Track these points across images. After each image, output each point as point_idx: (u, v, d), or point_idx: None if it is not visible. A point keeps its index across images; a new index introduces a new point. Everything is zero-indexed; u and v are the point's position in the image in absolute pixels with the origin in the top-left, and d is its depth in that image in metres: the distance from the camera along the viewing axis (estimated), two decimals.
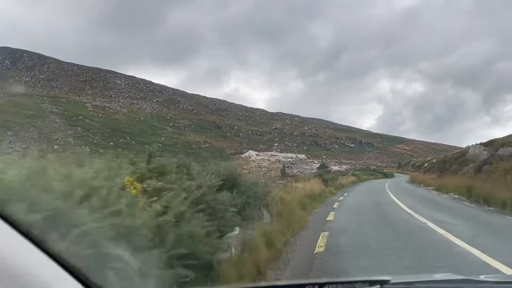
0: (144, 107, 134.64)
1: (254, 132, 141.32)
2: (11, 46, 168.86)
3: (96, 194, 2.66)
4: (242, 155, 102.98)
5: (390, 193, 23.04)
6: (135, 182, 4.06)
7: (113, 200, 2.82)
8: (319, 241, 8.45)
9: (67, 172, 2.72)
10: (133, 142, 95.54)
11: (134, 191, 3.87)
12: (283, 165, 76.83)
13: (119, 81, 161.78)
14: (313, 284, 1.85)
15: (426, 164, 55.06)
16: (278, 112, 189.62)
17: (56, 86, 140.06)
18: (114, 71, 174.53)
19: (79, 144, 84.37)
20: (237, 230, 5.77)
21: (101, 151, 78.73)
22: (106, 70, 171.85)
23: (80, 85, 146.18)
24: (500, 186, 15.14)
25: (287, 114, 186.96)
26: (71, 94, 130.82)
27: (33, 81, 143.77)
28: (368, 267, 6.18)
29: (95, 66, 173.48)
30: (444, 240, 8.23)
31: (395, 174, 67.29)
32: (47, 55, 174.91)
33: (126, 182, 3.90)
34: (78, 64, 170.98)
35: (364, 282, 1.81)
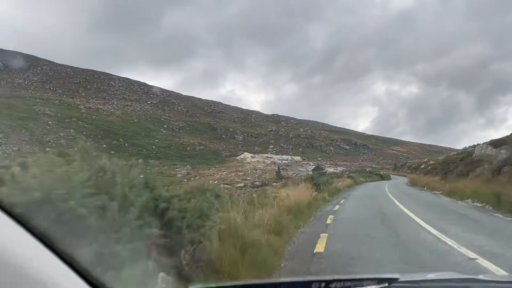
0: (138, 109, 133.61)
1: (250, 134, 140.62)
2: (4, 48, 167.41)
3: None
4: (238, 157, 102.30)
5: (394, 200, 19.61)
6: None
7: None
8: None
9: None
10: (126, 144, 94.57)
11: None
12: (278, 167, 76.12)
13: (113, 83, 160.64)
14: (320, 282, 1.77)
15: (423, 166, 54.54)
16: (273, 114, 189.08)
17: (50, 88, 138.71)
18: (108, 73, 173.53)
19: (71, 146, 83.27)
20: None
21: (95, 153, 78.12)
22: (100, 72, 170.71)
23: (73, 87, 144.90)
24: None
25: (283, 116, 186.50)
26: (64, 96, 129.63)
27: (26, 83, 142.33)
28: None
29: (89, 68, 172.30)
30: None
31: (391, 176, 66.62)
32: (41, 57, 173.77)
33: None
34: (72, 66, 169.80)
35: (372, 279, 1.76)
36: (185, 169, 76.37)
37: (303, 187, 18.64)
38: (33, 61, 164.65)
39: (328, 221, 12.03)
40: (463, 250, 7.30)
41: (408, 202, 17.90)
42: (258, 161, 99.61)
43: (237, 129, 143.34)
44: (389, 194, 23.84)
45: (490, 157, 23.79)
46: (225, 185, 61.64)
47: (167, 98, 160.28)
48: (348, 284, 1.76)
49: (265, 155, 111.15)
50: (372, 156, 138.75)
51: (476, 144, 41.00)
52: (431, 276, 2.07)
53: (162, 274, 3.51)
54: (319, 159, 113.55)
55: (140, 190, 3.78)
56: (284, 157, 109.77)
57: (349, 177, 44.07)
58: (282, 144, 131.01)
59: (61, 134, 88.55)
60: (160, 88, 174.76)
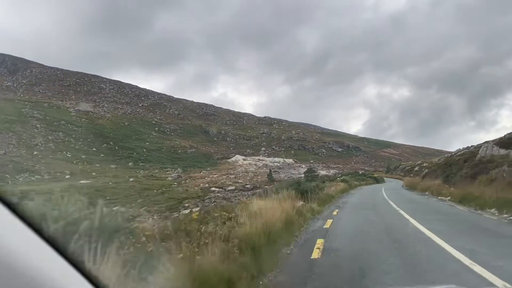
0: (129, 111, 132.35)
1: (241, 137, 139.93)
2: None
3: None
4: (229, 160, 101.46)
5: (400, 210, 15.70)
6: None
7: None
8: None
9: None
10: (116, 148, 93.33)
11: None
12: (270, 170, 75.42)
13: (104, 86, 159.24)
14: None
15: (416, 168, 54.31)
16: (265, 117, 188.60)
17: (39, 91, 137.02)
18: (99, 76, 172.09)
19: (60, 149, 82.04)
20: None
21: (83, 156, 75.55)
22: (91, 75, 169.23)
23: (63, 90, 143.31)
24: None
25: (275, 119, 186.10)
26: (54, 99, 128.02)
27: (15, 85, 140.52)
28: None
29: (80, 71, 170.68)
30: None
31: (385, 179, 66.10)
32: (31, 59, 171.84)
33: None
34: (62, 69, 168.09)
35: None
36: (176, 172, 75.38)
37: (285, 195, 13.48)
38: (22, 64, 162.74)
39: (315, 255, 7.60)
40: None
41: (419, 214, 14.04)
42: (250, 163, 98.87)
43: (229, 131, 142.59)
44: (391, 202, 20.35)
45: (498, 158, 22.45)
46: (216, 188, 60.87)
47: (159, 101, 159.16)
48: None
49: (257, 157, 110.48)
50: (365, 158, 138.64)
51: (470, 145, 40.51)
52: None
53: None
54: (311, 161, 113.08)
55: None
56: (276, 159, 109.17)
57: (342, 180, 40.82)
58: (274, 147, 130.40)
59: (50, 138, 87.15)
60: (152, 91, 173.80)
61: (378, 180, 58.04)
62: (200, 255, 4.94)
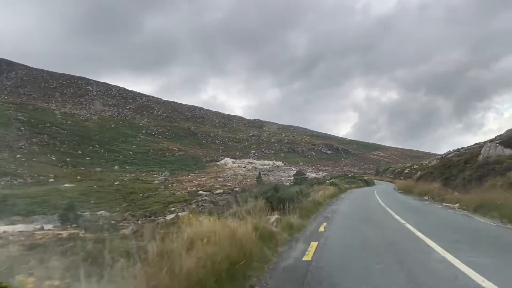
0: (116, 114, 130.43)
1: (231, 139, 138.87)
2: None
3: None
4: (218, 163, 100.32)
5: (406, 224, 11.99)
6: None
7: None
8: None
9: None
10: (102, 150, 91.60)
11: None
12: (259, 173, 74.45)
13: (91, 88, 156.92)
14: None
15: (406, 171, 53.76)
16: (255, 119, 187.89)
17: (24, 93, 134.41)
18: (86, 78, 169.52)
19: (44, 152, 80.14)
20: None
21: (68, 159, 73.84)
22: (77, 77, 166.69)
23: (49, 92, 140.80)
24: None
25: (265, 121, 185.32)
26: (39, 101, 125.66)
27: None
28: None
29: (66, 73, 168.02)
30: None
31: (375, 181, 65.34)
32: (16, 61, 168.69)
33: None
34: (48, 71, 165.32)
35: None
36: (163, 176, 74.02)
37: (253, 208, 9.51)
38: (7, 66, 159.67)
39: None
40: None
41: (433, 230, 10.45)
42: (239, 166, 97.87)
43: (218, 134, 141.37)
44: (389, 210, 17.09)
45: (506, 158, 20.75)
46: (203, 192, 59.68)
47: (147, 103, 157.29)
48: None
49: (247, 160, 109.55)
50: (354, 161, 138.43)
51: (460, 147, 39.99)
52: None
53: None
54: (301, 164, 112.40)
55: None
56: (266, 162, 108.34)
57: (331, 183, 37.24)
58: (264, 149, 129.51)
59: (34, 140, 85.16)
60: (140, 93, 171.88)
61: (368, 183, 57.26)
62: None
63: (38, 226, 38.22)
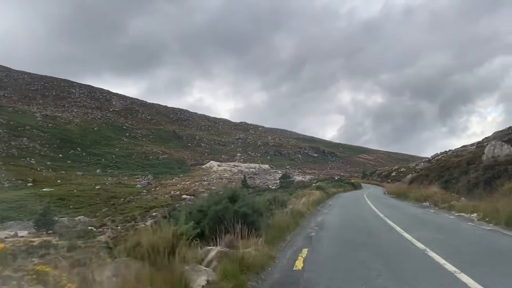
0: (99, 116, 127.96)
1: (217, 142, 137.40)
2: None
3: None
4: (203, 166, 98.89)
5: (427, 251, 7.83)
6: None
7: None
8: None
9: None
10: (84, 154, 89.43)
11: None
12: (244, 176, 73.27)
13: (73, 90, 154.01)
14: None
15: (394, 174, 53.28)
16: (241, 122, 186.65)
17: (4, 95, 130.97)
18: (69, 80, 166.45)
19: (23, 156, 77.80)
20: None
21: (48, 163, 71.52)
22: (60, 79, 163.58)
23: (30, 94, 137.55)
24: None
25: (251, 125, 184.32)
26: (19, 103, 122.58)
27: None
28: None
29: (49, 75, 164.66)
30: None
31: (362, 184, 64.37)
32: None
33: None
34: (29, 73, 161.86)
35: None
36: (146, 179, 72.34)
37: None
38: None
39: None
40: None
41: (491, 270, 6.07)
42: (224, 169, 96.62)
43: (203, 137, 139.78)
44: (393, 224, 12.80)
45: None
46: (187, 196, 58.29)
47: (131, 106, 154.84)
48: None
49: (233, 163, 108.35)
50: (340, 164, 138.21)
51: (447, 150, 39.46)
52: None
53: None
54: (287, 167, 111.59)
55: None
56: (252, 165, 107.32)
57: (318, 188, 34.03)
58: (250, 152, 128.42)
59: (13, 143, 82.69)
60: (124, 95, 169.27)
61: (356, 186, 56.28)
62: None
63: (12, 233, 36.46)
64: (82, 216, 42.62)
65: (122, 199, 53.77)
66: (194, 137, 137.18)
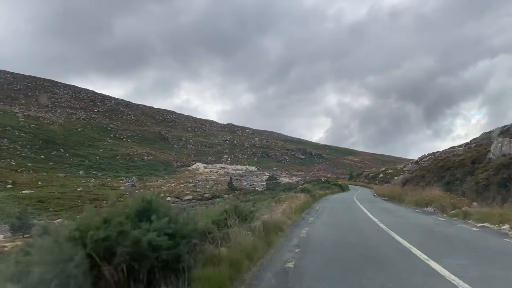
0: (83, 117, 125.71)
1: (203, 144, 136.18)
2: None
3: None
4: (189, 168, 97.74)
5: None
6: None
7: None
8: None
9: None
10: (67, 155, 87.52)
11: None
12: (231, 178, 72.42)
13: (57, 91, 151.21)
14: None
15: (381, 175, 53.09)
16: (229, 124, 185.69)
17: None
18: (53, 80, 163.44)
19: (3, 157, 75.71)
20: None
21: (29, 164, 69.59)
22: (44, 79, 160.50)
23: (12, 94, 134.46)
24: None
25: (238, 126, 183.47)
26: (1, 103, 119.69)
27: None
28: None
29: (32, 75, 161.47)
30: None
31: (350, 186, 63.89)
32: None
33: None
34: (12, 72, 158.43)
35: None
36: (130, 181, 70.95)
37: None
38: None
39: None
40: None
41: None
42: (211, 171, 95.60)
43: (189, 138, 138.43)
44: (403, 241, 9.56)
45: None
46: (171, 198, 57.13)
47: (116, 106, 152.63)
48: None
49: (219, 165, 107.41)
50: (327, 165, 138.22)
51: (435, 151, 39.15)
52: None
53: None
54: (274, 168, 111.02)
55: None
56: (239, 167, 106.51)
57: (304, 190, 31.00)
58: (237, 154, 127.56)
59: None
60: (109, 96, 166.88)
61: (343, 188, 55.66)
62: None
63: None
64: (61, 219, 41.23)
65: (105, 201, 52.41)
66: (180, 138, 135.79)
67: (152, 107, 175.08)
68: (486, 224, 12.01)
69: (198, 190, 66.21)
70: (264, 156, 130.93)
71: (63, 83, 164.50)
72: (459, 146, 34.20)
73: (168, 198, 56.05)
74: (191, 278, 4.37)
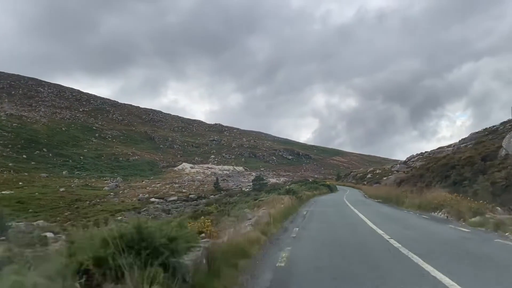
0: (68, 116, 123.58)
1: (190, 144, 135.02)
2: None
3: None
4: (175, 168, 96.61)
5: None
6: None
7: None
8: None
9: None
10: (50, 155, 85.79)
11: None
12: (217, 178, 71.60)
13: (42, 89, 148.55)
14: None
15: (369, 176, 52.87)
16: (216, 124, 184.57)
17: None
18: (37, 79, 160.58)
19: None
20: None
21: (10, 164, 67.97)
22: (28, 78, 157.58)
23: None
24: None
25: (226, 126, 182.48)
26: None
27: None
28: None
29: (15, 73, 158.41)
30: None
31: (338, 187, 63.48)
32: None
33: None
34: None
35: None
36: (115, 181, 69.70)
37: None
38: None
39: None
40: None
41: None
42: (197, 171, 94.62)
43: (176, 138, 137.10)
44: (442, 276, 5.67)
45: None
46: (156, 199, 56.18)
47: (101, 106, 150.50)
48: None
49: (206, 165, 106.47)
50: (314, 166, 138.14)
51: (424, 151, 38.95)
52: None
53: None
54: (261, 169, 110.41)
55: None
56: (226, 167, 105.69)
57: (289, 191, 27.92)
58: (224, 154, 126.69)
59: None
60: (95, 95, 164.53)
61: (332, 189, 55.02)
62: None
63: None
64: (42, 221, 39.97)
65: (87, 202, 51.26)
66: (167, 138, 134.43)
67: (138, 106, 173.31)
68: None
69: (184, 190, 65.25)
70: (252, 156, 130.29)
71: (48, 82, 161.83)
72: (448, 146, 34.02)
73: (152, 199, 55.10)
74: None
